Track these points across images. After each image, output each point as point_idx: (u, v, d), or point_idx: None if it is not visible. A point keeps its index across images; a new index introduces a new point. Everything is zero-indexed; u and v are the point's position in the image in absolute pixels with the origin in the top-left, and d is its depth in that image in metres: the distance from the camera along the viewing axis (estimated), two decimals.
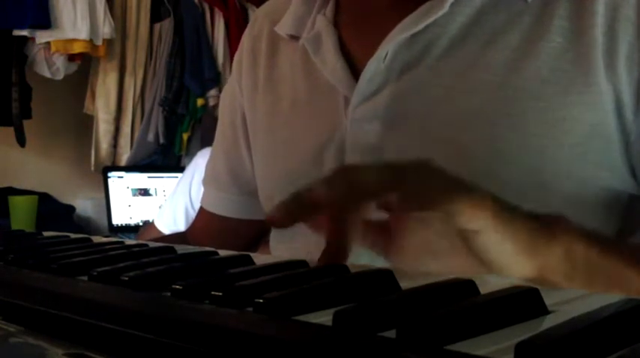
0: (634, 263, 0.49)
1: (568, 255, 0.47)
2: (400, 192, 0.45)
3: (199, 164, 1.96)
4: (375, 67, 0.66)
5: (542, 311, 0.31)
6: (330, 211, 0.46)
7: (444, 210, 0.44)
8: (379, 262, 0.58)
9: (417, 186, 0.45)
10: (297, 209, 0.46)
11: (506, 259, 0.46)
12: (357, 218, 0.47)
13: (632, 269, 0.48)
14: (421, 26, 0.64)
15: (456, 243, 0.46)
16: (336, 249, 0.45)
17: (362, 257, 0.64)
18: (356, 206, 0.46)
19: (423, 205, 0.45)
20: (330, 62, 0.69)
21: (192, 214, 1.75)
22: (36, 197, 2.58)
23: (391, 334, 0.28)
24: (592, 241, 0.48)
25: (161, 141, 2.98)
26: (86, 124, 3.08)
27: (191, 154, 2.78)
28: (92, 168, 3.01)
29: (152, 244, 0.54)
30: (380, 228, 0.49)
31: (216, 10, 3.07)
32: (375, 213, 0.48)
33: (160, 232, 1.95)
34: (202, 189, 0.93)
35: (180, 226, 1.95)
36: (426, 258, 0.48)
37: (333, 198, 0.45)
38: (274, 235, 0.77)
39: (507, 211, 0.46)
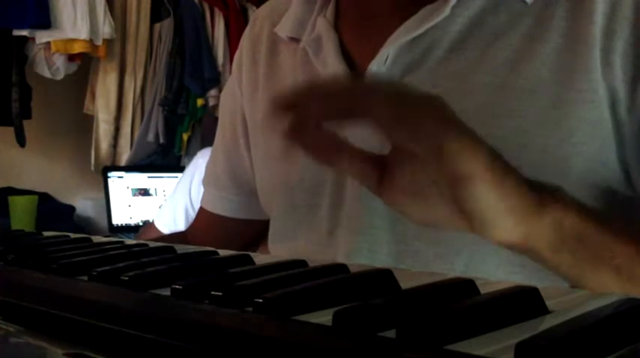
0: (625, 241, 0.48)
1: (558, 225, 0.46)
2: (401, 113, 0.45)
3: (199, 164, 1.96)
4: (376, 69, 0.66)
5: (542, 311, 0.31)
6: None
7: (439, 146, 0.44)
8: (379, 262, 0.58)
9: (419, 111, 0.45)
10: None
11: (492, 216, 0.45)
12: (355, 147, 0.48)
13: (622, 248, 0.48)
14: (422, 29, 0.64)
15: (444, 190, 0.46)
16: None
17: (362, 257, 0.64)
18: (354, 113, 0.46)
19: (419, 131, 0.45)
20: (331, 65, 0.69)
21: (192, 214, 1.75)
22: (36, 197, 2.59)
23: (391, 334, 0.28)
24: (585, 216, 0.47)
25: (161, 141, 2.98)
26: (86, 124, 3.08)
27: (191, 154, 2.78)
28: (92, 168, 3.01)
29: (152, 244, 0.54)
30: (374, 162, 0.49)
31: (216, 10, 3.07)
32: (370, 142, 0.49)
33: (159, 232, 1.95)
34: (202, 189, 0.93)
35: (180, 226, 1.95)
36: (413, 201, 0.49)
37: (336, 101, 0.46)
38: (274, 234, 0.77)
39: (504, 166, 0.46)
